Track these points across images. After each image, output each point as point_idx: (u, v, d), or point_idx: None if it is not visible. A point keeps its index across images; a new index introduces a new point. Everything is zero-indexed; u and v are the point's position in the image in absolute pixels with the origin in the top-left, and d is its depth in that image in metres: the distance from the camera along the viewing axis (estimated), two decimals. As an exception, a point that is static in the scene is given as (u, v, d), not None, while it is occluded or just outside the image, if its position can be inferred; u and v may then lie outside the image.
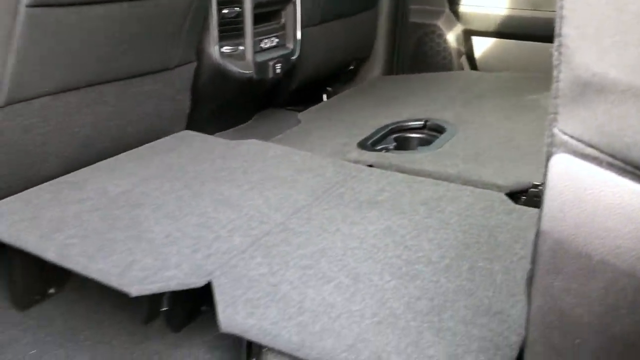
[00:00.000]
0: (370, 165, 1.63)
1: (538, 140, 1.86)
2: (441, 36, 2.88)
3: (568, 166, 0.57)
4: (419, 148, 1.84)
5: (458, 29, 2.87)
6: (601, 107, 0.54)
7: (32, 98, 1.27)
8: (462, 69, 2.85)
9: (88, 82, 1.39)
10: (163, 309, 1.22)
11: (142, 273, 1.07)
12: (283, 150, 1.67)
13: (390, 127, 1.97)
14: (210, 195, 1.38)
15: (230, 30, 1.82)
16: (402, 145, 1.92)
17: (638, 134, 0.53)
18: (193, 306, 1.29)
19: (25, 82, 1.23)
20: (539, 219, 0.58)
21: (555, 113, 0.58)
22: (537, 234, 0.59)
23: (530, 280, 0.61)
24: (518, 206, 1.37)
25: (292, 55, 2.09)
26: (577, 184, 0.56)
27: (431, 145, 1.80)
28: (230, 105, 2.08)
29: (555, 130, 0.58)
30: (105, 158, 1.52)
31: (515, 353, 0.89)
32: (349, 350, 0.89)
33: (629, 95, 0.52)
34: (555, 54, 0.56)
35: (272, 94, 2.35)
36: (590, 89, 0.54)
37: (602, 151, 0.56)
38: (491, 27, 2.78)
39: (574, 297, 0.57)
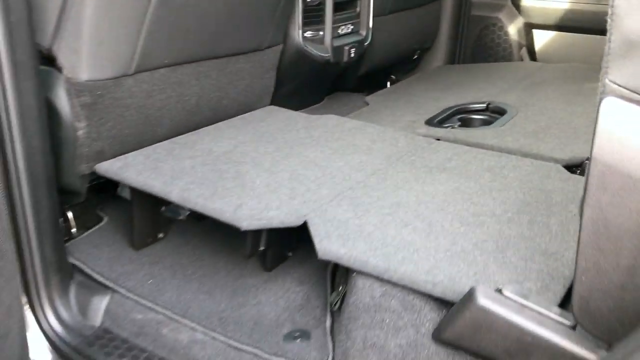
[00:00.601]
0: (438, 139, 1.81)
1: (594, 122, 1.99)
2: (502, 29, 3.01)
3: (616, 107, 0.74)
4: (482, 127, 2.00)
5: (519, 22, 2.99)
6: (644, 61, 0.71)
7: (155, 68, 1.51)
8: (522, 60, 2.98)
9: (198, 57, 1.62)
10: (261, 249, 1.44)
11: (250, 212, 1.29)
12: (358, 124, 1.87)
13: (455, 108, 2.14)
14: (298, 157, 1.58)
15: (313, 17, 2.03)
16: (466, 124, 2.08)
17: (672, 82, 0.70)
18: (282, 250, 1.51)
19: (152, 54, 1.47)
20: (592, 147, 0.75)
21: (607, 67, 0.75)
22: (589, 159, 0.76)
23: (583, 199, 0.78)
24: (574, 175, 1.53)
25: (365, 42, 2.29)
26: (622, 120, 0.73)
27: (493, 124, 1.96)
28: (305, 86, 2.29)
29: (606, 81, 0.75)
30: (207, 125, 1.76)
31: (568, 282, 1.06)
32: (426, 274, 1.08)
33: (665, 51, 0.69)
34: (609, 20, 0.73)
35: (342, 77, 2.55)
36: (635, 47, 0.71)
37: (644, 96, 0.73)
38: (552, 21, 2.90)
39: (617, 209, 0.74)
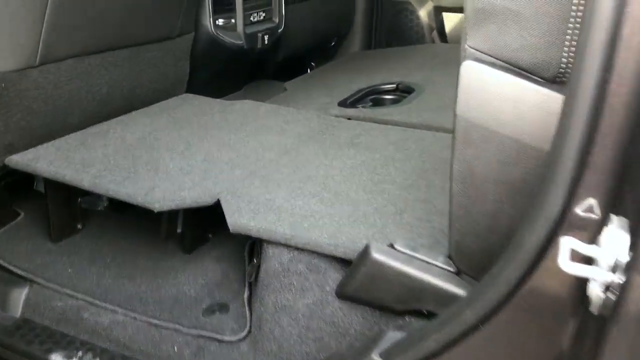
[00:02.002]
0: (349, 118, 1.89)
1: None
2: (413, 13, 3.14)
3: (474, 69, 0.83)
4: (391, 106, 2.10)
5: (429, 5, 3.12)
6: (493, 27, 0.80)
7: (60, 60, 1.52)
8: (433, 42, 3.12)
9: (106, 47, 1.63)
10: (178, 231, 1.48)
11: (163, 194, 1.33)
12: (273, 107, 1.93)
13: (366, 90, 2.23)
14: (213, 140, 1.63)
15: (224, 4, 2.07)
16: (377, 104, 2.18)
17: (517, 43, 0.79)
18: (201, 232, 1.55)
19: (56, 45, 1.48)
20: (455, 106, 0.84)
21: (466, 34, 0.84)
22: (454, 117, 0.85)
23: (452, 154, 0.87)
24: (471, 144, 1.64)
25: (279, 29, 2.35)
26: (479, 79, 0.83)
27: (401, 102, 2.06)
28: (222, 74, 2.33)
29: (465, 46, 0.84)
30: (120, 114, 1.77)
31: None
32: (330, 237, 1.16)
33: (509, 16, 0.78)
34: (463, -8, 0.82)
35: (261, 65, 2.60)
36: (484, 15, 0.80)
37: (495, 57, 0.82)
38: (460, 3, 3.05)
39: (479, 160, 0.84)
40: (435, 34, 3.12)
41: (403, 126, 1.81)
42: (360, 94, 2.19)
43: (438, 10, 3.12)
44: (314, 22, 2.79)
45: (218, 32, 2.06)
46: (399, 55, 2.82)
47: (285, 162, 1.52)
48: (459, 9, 3.06)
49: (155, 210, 1.29)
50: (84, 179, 1.38)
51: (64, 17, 1.46)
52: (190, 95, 2.01)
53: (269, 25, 2.30)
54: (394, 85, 2.26)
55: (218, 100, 1.98)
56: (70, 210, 1.60)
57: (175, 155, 1.52)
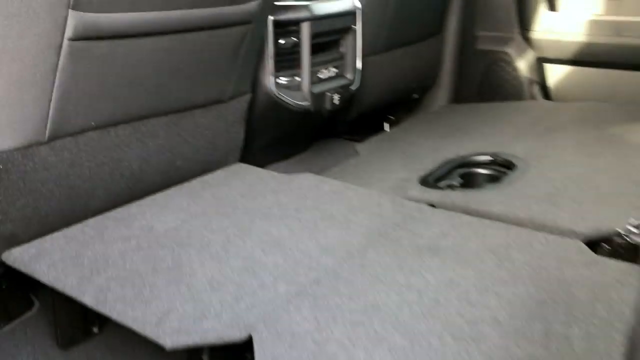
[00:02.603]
0: (432, 205, 1.51)
1: (620, 181, 1.68)
2: (511, 64, 2.73)
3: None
4: (487, 186, 1.70)
5: (530, 56, 2.71)
6: None
7: (78, 133, 1.24)
8: (535, 98, 2.69)
9: (137, 115, 1.35)
10: None
11: (179, 323, 0.99)
12: (338, 186, 1.58)
13: (455, 162, 1.85)
14: (258, 235, 1.29)
15: (287, 60, 1.76)
16: (468, 181, 1.78)
17: None
18: (236, 358, 1.21)
19: (70, 116, 1.20)
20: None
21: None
22: None
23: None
24: (600, 257, 1.22)
25: (352, 86, 2.01)
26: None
27: (500, 184, 1.66)
28: (286, 136, 2.02)
29: None
30: (154, 193, 1.48)
31: None
32: None
33: None
34: None
35: (330, 124, 2.28)
36: None
37: None
38: (567, 54, 2.61)
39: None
40: (536, 88, 2.69)
41: (504, 221, 1.40)
42: (447, 168, 1.81)
43: (540, 62, 2.70)
44: (395, 74, 2.45)
45: (280, 92, 1.75)
46: (494, 113, 2.41)
47: (347, 274, 1.15)
48: (566, 61, 2.62)
49: (167, 349, 0.96)
50: (87, 293, 1.08)
51: (79, 84, 1.18)
52: (244, 166, 1.70)
53: (341, 82, 1.97)
54: (490, 158, 1.86)
55: (275, 174, 1.66)
56: (83, 309, 1.31)
57: (207, 257, 1.20)
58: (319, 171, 1.94)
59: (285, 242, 1.27)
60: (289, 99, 1.77)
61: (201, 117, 1.54)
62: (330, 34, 1.91)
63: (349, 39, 1.97)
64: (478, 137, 2.08)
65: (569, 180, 1.62)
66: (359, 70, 2.03)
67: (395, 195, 1.54)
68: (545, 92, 2.69)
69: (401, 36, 2.37)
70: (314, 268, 1.17)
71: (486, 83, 2.81)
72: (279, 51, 1.71)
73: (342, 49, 1.98)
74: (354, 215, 1.41)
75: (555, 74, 2.67)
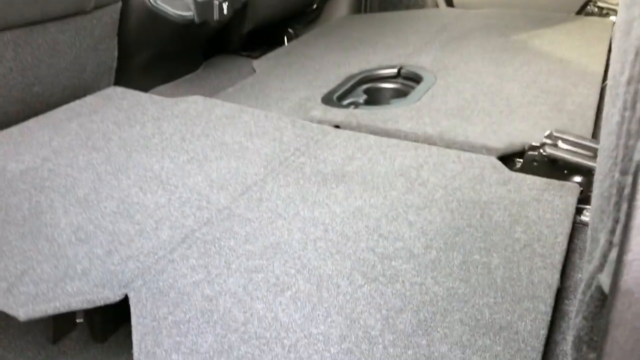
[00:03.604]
0: (337, 126, 1.37)
1: (530, 90, 1.62)
2: (414, -31, 2.57)
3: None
4: (393, 101, 1.57)
5: (432, -40, 2.56)
6: None
7: None
8: (437, 6, 2.56)
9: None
10: (78, 321, 0.97)
11: (36, 288, 0.81)
12: (232, 109, 1.39)
13: (359, 76, 1.70)
14: (136, 171, 1.10)
15: (163, -39, 1.50)
16: (374, 97, 1.65)
17: None
18: (118, 310, 1.04)
19: None
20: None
21: None
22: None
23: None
24: (514, 174, 1.14)
25: (243, -7, 1.78)
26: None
27: (407, 98, 1.53)
28: (169, 54, 1.77)
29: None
30: (8, 126, 1.23)
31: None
32: (308, 398, 0.66)
33: None
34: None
35: (222, 38, 2.05)
36: None
37: None
38: (469, -42, 2.48)
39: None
40: (439, -5, 2.56)
41: (413, 139, 1.29)
42: (350, 83, 1.66)
43: (443, -33, 2.56)
44: (290, -19, 2.22)
45: (157, 0, 1.50)
46: (398, 23, 2.27)
47: (243, 210, 1.00)
48: (469, -35, 2.49)
49: (21, 320, 0.78)
50: None
51: None
52: (118, 90, 1.46)
53: (229, -12, 1.73)
54: (395, 71, 1.72)
55: (157, 97, 1.44)
56: None
57: (73, 202, 1.00)
58: (211, 93, 1.74)
59: (168, 179, 1.09)
60: (167, 8, 1.52)
61: (58, 31, 1.28)
62: None
63: (235, -63, 1.72)
64: (381, 49, 1.94)
65: (478, 91, 1.52)
66: (249, -25, 1.80)
67: (295, 118, 1.38)
68: (449, 0, 2.57)
69: (296, -63, 2.13)
70: (204, 207, 1.01)
71: (388, -9, 2.65)
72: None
73: (228, -50, 1.73)
74: (250, 142, 1.24)
75: (458, -21, 2.54)
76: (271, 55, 2.04)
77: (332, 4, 2.66)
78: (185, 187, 1.06)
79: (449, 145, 1.26)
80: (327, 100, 1.54)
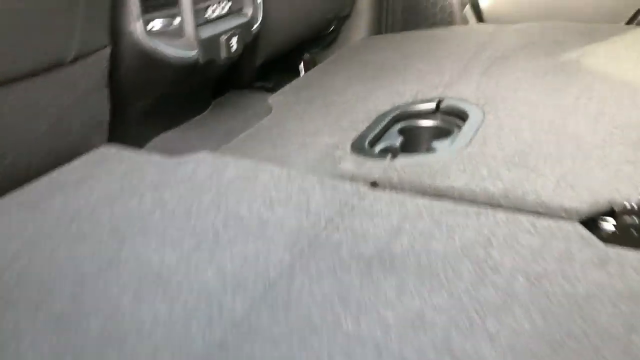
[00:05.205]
0: (374, 183, 1.13)
1: (600, 125, 1.36)
2: (439, -18, 2.33)
3: None
4: (436, 144, 1.33)
5: (459, -29, 2.32)
6: None
7: None
8: (466, 22, 2.32)
9: None
10: None
11: None
12: (246, 168, 1.16)
13: (391, 115, 1.46)
14: (130, 267, 0.87)
15: (160, -4, 1.28)
16: (411, 139, 1.41)
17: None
18: None
19: None
20: None
21: None
22: None
23: None
24: (611, 249, 0.88)
25: (253, 25, 1.56)
26: None
27: (453, 141, 1.29)
28: (173, 98, 1.56)
29: None
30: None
31: None
32: None
33: None
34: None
35: (232, 73, 1.83)
36: None
37: None
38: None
39: None
40: (468, 9, 2.33)
41: (471, 199, 1.05)
42: (382, 124, 1.42)
43: (471, -22, 2.32)
44: (305, 4, 2.00)
45: (154, 42, 1.28)
46: (426, 44, 2.03)
47: (265, 322, 0.76)
48: (500, -25, 2.25)
49: None
50: None
51: None
52: (112, 150, 1.24)
53: (238, 20, 1.51)
54: (434, 105, 1.49)
55: (156, 158, 1.21)
56: None
57: (45, 322, 0.77)
58: (223, 139, 1.52)
59: (170, 276, 0.85)
60: (165, 48, 1.30)
61: (36, 88, 1.06)
62: (216, -43, 1.43)
63: (242, -39, 1.50)
64: (412, 76, 1.70)
65: (538, 130, 1.28)
66: (259, 3, 1.57)
67: (323, 176, 1.14)
68: (478, 15, 2.33)
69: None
70: (215, 320, 0.77)
71: (411, 8, 2.41)
72: (144, -16, 1.23)
73: (235, -24, 1.51)
74: (271, 213, 1.00)
75: (488, -9, 2.30)
76: (288, 88, 1.81)
77: (350, 24, 2.44)
78: (192, 288, 0.83)
79: (518, 206, 1.02)
80: (358, 147, 1.30)
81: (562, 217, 0.98)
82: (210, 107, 1.80)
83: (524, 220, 0.96)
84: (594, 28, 1.96)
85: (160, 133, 1.58)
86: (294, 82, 1.86)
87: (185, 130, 1.64)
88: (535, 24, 2.04)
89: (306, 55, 2.41)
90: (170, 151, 1.47)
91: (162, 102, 1.52)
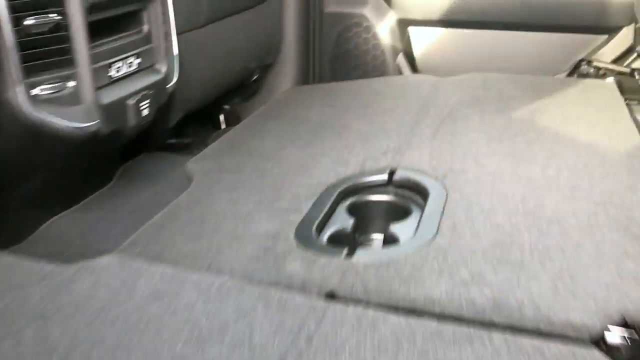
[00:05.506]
0: (332, 294, 0.90)
1: (579, 203, 1.15)
2: (369, 29, 2.18)
3: None
4: (395, 227, 1.11)
5: (391, 18, 2.17)
6: None
7: None
8: (400, 72, 2.17)
9: None
10: None
11: None
12: (164, 278, 0.89)
13: (338, 189, 1.24)
14: None
15: (47, 53, 0.99)
16: (364, 220, 1.19)
17: None
18: None
19: None
20: None
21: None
22: None
23: None
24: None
25: (168, 82, 1.30)
26: None
27: (417, 226, 1.08)
28: (70, 173, 1.26)
29: None
30: None
31: None
32: None
33: None
34: None
35: (143, 134, 1.55)
36: None
37: None
38: (433, 14, 2.12)
39: None
40: (401, 58, 2.18)
41: (456, 316, 0.83)
42: (329, 202, 1.19)
43: (403, 25, 2.18)
44: (225, 54, 1.77)
45: (41, 110, 0.99)
46: (363, 97, 1.85)
47: None
48: (434, 22, 2.12)
49: None
50: None
51: None
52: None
53: (149, 79, 1.24)
54: (385, 177, 1.28)
55: (44, 268, 0.91)
56: None
57: None
58: (132, 220, 1.24)
59: None
60: (58, 120, 1.02)
61: None
62: (121, 4, 1.16)
63: (153, 10, 1.24)
64: (355, 139, 1.50)
65: (513, 211, 1.09)
66: (175, 56, 1.32)
67: (267, 286, 0.89)
68: (412, 64, 2.19)
69: (228, 1, 1.69)
70: None
71: (340, 56, 2.24)
72: (28, 40, 0.94)
73: (145, 27, 1.24)
74: (200, 355, 0.74)
75: (421, 39, 2.17)
76: (209, 151, 1.55)
77: (274, 73, 2.23)
78: None
79: (514, 324, 0.81)
80: (304, 236, 1.07)
81: (570, 338, 0.79)
82: (115, 178, 1.51)
83: (527, 345, 0.76)
84: (536, 81, 1.85)
85: (55, 215, 1.27)
86: (216, 144, 1.60)
87: (84, 210, 1.33)
88: (477, 76, 1.91)
89: (225, 108, 2.16)
90: (63, 244, 1.18)
91: (57, 180, 1.21)
